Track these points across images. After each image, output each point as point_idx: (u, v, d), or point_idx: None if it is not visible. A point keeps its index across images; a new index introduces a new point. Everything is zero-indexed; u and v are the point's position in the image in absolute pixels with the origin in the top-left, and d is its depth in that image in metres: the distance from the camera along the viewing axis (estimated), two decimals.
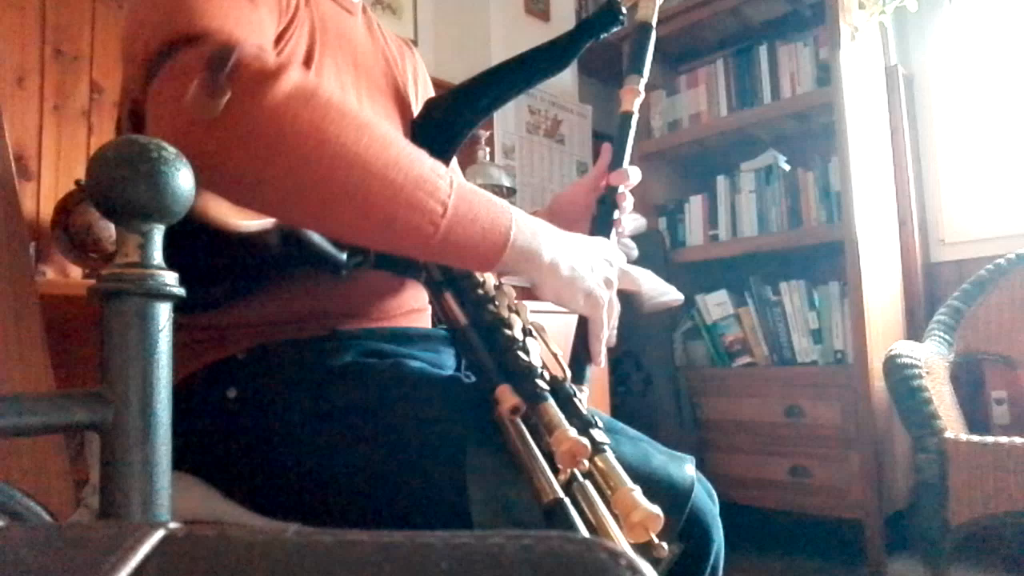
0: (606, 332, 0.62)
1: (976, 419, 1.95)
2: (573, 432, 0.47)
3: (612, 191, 0.77)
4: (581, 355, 0.63)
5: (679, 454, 0.62)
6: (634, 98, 0.79)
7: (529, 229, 0.57)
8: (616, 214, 0.76)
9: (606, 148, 0.80)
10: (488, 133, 2.05)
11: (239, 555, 0.17)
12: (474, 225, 0.53)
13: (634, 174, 0.78)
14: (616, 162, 0.78)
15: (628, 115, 0.80)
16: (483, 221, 0.54)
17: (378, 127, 0.51)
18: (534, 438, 0.50)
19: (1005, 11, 2.14)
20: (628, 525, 0.43)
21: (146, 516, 0.40)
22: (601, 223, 0.75)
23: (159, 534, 0.18)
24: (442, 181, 0.52)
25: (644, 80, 0.80)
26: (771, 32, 2.31)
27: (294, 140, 0.47)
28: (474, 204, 0.54)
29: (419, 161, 0.52)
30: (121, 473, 0.40)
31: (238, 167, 0.48)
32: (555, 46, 0.78)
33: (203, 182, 0.47)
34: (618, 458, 0.54)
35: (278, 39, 0.64)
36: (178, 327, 0.45)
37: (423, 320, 0.77)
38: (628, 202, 0.79)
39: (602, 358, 0.63)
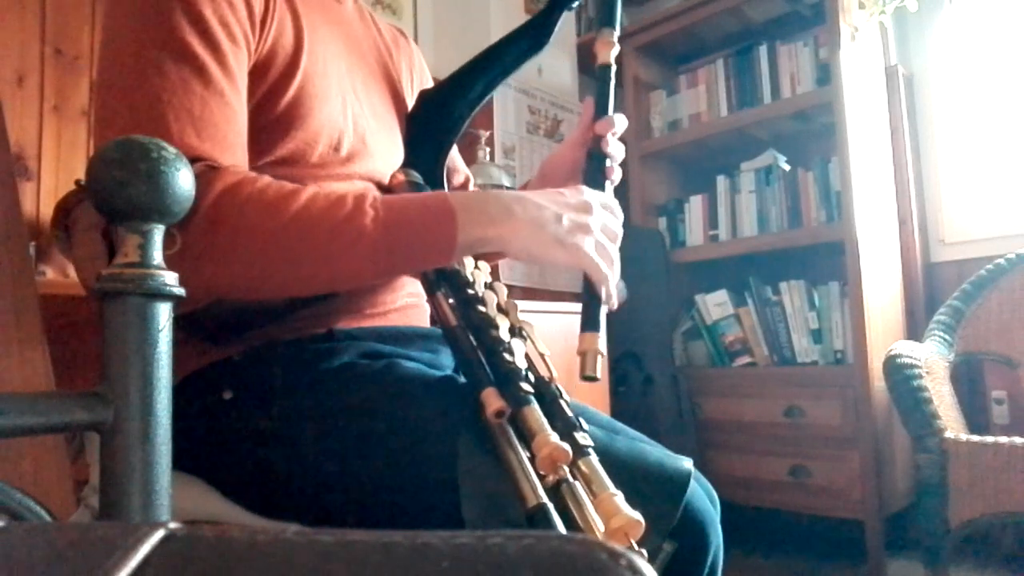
0: (606, 275, 0.60)
1: (976, 419, 1.94)
2: (554, 437, 0.47)
3: (598, 140, 0.74)
4: (591, 303, 0.61)
5: (676, 455, 0.62)
6: (610, 50, 0.77)
7: (472, 198, 0.58)
8: (608, 162, 0.74)
9: (588, 102, 0.78)
10: (488, 133, 2.05)
11: (239, 555, 0.17)
12: (411, 226, 0.56)
13: (620, 121, 0.75)
14: (600, 113, 0.76)
15: (607, 67, 0.77)
16: (417, 218, 0.56)
17: (298, 195, 0.56)
18: (522, 441, 0.50)
19: (1005, 11, 2.14)
20: (609, 531, 0.42)
21: (146, 516, 0.40)
22: (592, 174, 0.73)
23: (159, 534, 0.18)
24: (366, 199, 0.56)
25: (617, 32, 0.78)
26: (771, 32, 2.31)
27: (231, 252, 0.54)
28: (404, 207, 0.57)
29: (339, 202, 0.56)
30: (121, 473, 0.40)
31: (203, 284, 0.55)
32: (533, 23, 0.79)
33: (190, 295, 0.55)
34: (612, 454, 0.54)
35: (261, 30, 0.64)
36: (176, 328, 0.45)
37: (419, 314, 0.77)
38: (617, 148, 0.75)
39: (614, 300, 0.60)
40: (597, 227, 0.61)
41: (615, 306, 0.61)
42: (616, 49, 0.78)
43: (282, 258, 0.54)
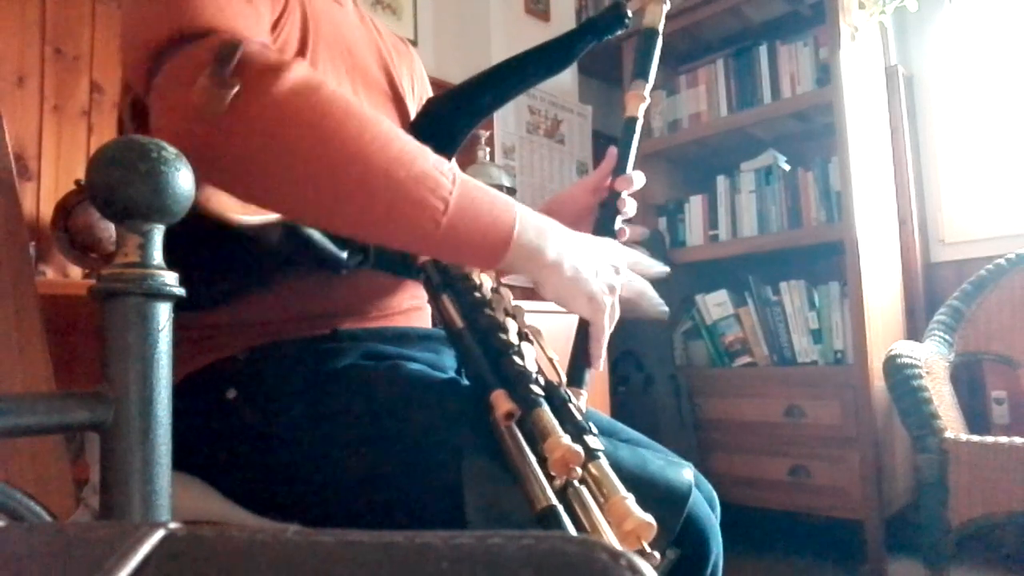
0: (606, 337, 0.61)
1: (976, 419, 1.95)
2: (566, 439, 0.47)
3: (615, 196, 0.77)
4: (580, 358, 0.62)
5: (677, 459, 0.62)
6: (639, 104, 0.79)
7: (534, 227, 0.57)
8: (619, 220, 0.76)
9: (611, 152, 0.80)
10: (488, 133, 2.05)
11: (239, 555, 0.17)
12: (476, 222, 0.53)
13: (638, 179, 0.78)
14: (620, 167, 0.78)
15: (633, 120, 0.79)
16: (485, 218, 0.54)
17: (381, 123, 0.52)
18: (529, 444, 0.49)
19: (1005, 11, 2.14)
20: (620, 534, 0.42)
21: (146, 516, 0.40)
22: (603, 228, 0.75)
23: (159, 534, 0.18)
24: (444, 178, 0.52)
25: (650, 86, 0.80)
26: (771, 32, 2.31)
27: (296, 134, 0.48)
28: (477, 200, 0.54)
29: (422, 157, 0.52)
30: (121, 473, 0.40)
31: (241, 159, 0.49)
32: (556, 45, 0.78)
33: (207, 174, 0.49)
34: (615, 463, 0.54)
35: (272, 28, 0.64)
36: (178, 327, 0.45)
37: (423, 317, 0.77)
38: (631, 207, 0.78)
39: (601, 362, 0.62)
40: (617, 292, 0.63)
41: (600, 368, 0.63)
42: (646, 103, 0.80)
43: (339, 193, 0.50)
